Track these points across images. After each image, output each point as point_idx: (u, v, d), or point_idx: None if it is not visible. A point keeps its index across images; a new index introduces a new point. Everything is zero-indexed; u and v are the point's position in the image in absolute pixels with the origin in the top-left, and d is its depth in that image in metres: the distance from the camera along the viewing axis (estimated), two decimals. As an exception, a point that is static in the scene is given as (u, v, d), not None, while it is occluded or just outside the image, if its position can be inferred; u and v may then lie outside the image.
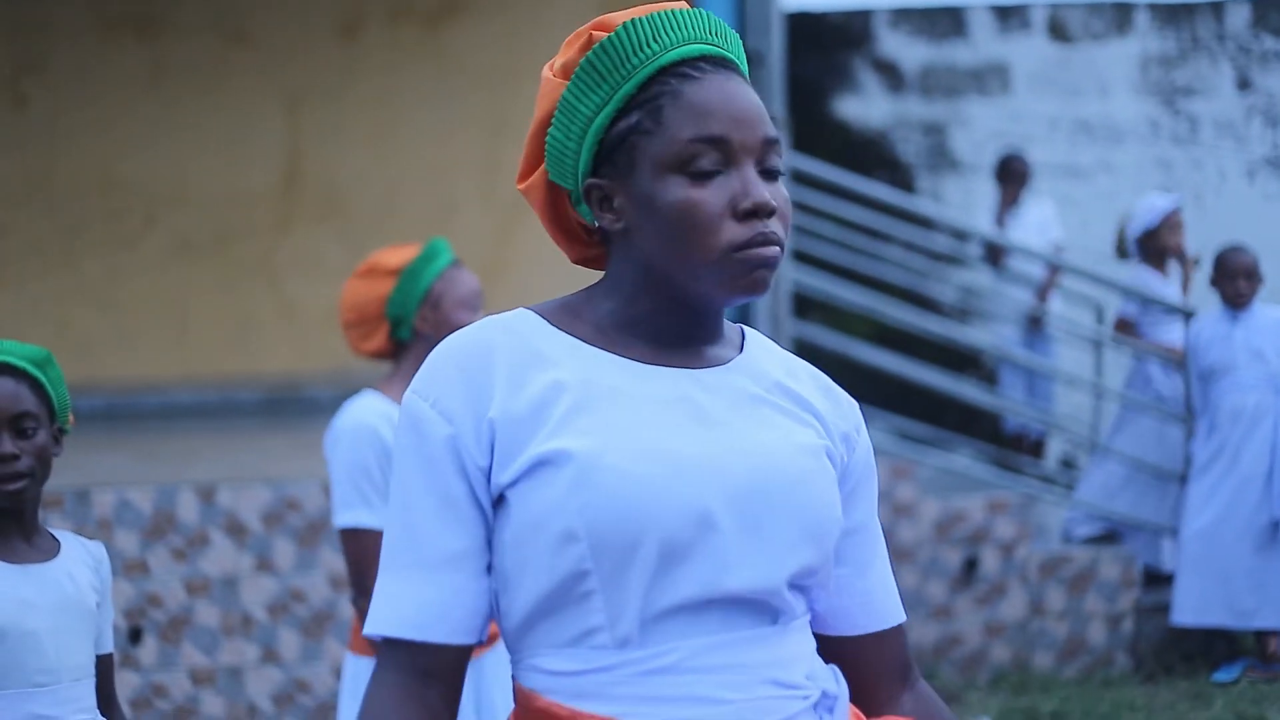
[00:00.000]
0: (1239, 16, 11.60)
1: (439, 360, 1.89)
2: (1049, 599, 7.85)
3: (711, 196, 1.86)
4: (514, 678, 1.90)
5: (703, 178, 1.87)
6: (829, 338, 8.30)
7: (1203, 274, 8.50)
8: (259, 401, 10.58)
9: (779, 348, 2.05)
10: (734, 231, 1.86)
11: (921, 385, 8.57)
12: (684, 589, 1.82)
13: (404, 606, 1.85)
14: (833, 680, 1.94)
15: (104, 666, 3.28)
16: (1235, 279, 8.00)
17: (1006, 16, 11.55)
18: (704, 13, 1.95)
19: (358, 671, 4.09)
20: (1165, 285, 8.69)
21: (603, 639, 1.82)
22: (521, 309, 1.96)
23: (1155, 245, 8.67)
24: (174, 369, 10.94)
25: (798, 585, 1.91)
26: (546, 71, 2.01)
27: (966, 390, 8.97)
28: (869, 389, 8.19)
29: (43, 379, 3.21)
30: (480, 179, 11.30)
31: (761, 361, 1.99)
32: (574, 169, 1.95)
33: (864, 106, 11.55)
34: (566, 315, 1.95)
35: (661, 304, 1.94)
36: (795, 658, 1.89)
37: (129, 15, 11.26)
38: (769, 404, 1.94)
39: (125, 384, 10.64)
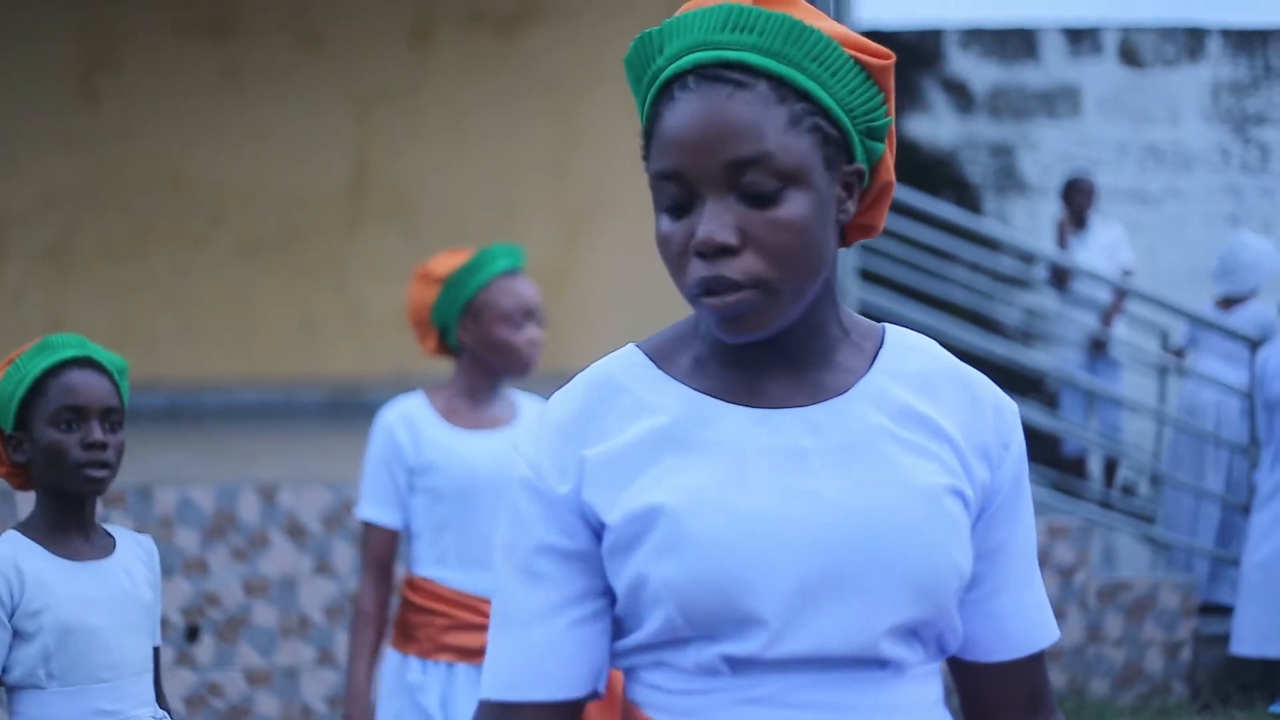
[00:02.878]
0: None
1: (543, 422, 1.81)
2: (1107, 625, 7.80)
3: (678, 231, 1.72)
4: (624, 685, 1.85)
5: (676, 213, 1.72)
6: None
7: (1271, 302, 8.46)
8: (322, 403, 10.63)
9: (925, 346, 1.85)
10: (694, 271, 1.71)
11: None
12: (773, 650, 1.71)
13: (497, 667, 1.79)
14: None
15: (155, 658, 3.33)
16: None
17: (1078, 39, 11.52)
18: (724, 5, 1.74)
19: (389, 667, 4.14)
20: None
21: (698, 663, 1.74)
22: (631, 347, 1.85)
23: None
24: (238, 368, 11.01)
25: (908, 637, 1.76)
26: None
27: (1029, 413, 8.94)
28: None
29: (121, 387, 3.29)
30: (548, 184, 11.32)
31: (890, 380, 1.80)
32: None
33: (933, 126, 11.53)
34: (670, 350, 1.83)
35: (724, 344, 1.81)
36: (906, 706, 1.75)
37: (202, 17, 11.35)
38: (889, 437, 1.76)
39: (189, 382, 10.71)
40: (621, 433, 1.76)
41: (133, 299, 11.07)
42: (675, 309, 10.30)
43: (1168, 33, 11.51)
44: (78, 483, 3.20)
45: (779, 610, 1.70)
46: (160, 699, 3.38)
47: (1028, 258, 10.55)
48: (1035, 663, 1.89)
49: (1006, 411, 1.82)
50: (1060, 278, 9.85)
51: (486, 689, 1.80)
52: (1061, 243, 10.05)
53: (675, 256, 1.72)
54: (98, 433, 3.19)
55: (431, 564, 4.08)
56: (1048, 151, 11.46)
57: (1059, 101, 11.55)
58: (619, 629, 1.80)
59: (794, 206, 1.70)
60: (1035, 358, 10.27)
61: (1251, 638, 7.81)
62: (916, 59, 11.39)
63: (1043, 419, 9.26)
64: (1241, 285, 8.90)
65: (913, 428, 1.77)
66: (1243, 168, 11.47)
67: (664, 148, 1.72)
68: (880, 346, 1.82)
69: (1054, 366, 9.83)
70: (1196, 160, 11.34)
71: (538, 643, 1.78)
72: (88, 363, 3.25)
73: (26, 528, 3.24)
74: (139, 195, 11.22)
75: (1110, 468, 10.30)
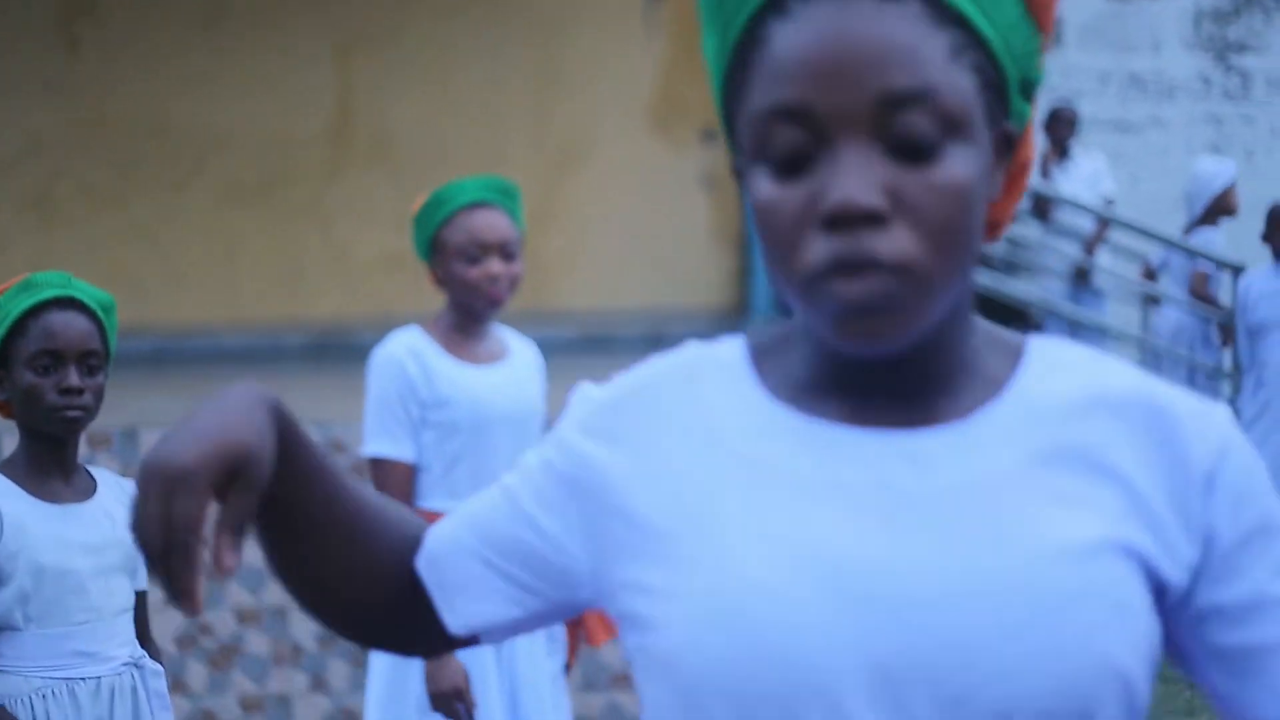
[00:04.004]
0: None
1: (604, 394, 1.45)
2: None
3: (792, 196, 1.27)
4: None
5: (788, 168, 1.27)
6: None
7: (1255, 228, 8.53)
8: (307, 346, 10.66)
9: (1085, 362, 1.39)
10: (816, 250, 1.26)
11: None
12: None
13: (443, 525, 1.52)
14: None
15: (140, 601, 3.36)
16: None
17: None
18: None
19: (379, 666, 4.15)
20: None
21: None
22: (738, 339, 1.46)
23: (1215, 207, 8.80)
24: (223, 312, 11.04)
25: None
26: None
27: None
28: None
29: (106, 324, 3.30)
30: (531, 126, 11.33)
31: (1031, 403, 1.36)
32: (729, 139, 1.40)
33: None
34: (772, 352, 1.42)
35: (825, 350, 1.38)
36: None
37: (182, -41, 11.34)
38: (1021, 480, 1.32)
39: (174, 326, 10.74)
40: (668, 450, 1.39)
41: (117, 245, 11.09)
42: (661, 250, 10.33)
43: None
44: (53, 425, 3.21)
45: (848, 702, 1.27)
46: (147, 641, 3.40)
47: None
48: None
49: (1212, 431, 1.35)
50: (1043, 208, 9.89)
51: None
52: (1044, 173, 10.09)
53: (787, 230, 1.27)
54: (74, 378, 3.20)
55: (443, 497, 4.09)
56: (1030, 82, 11.49)
57: (1041, 32, 11.59)
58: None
59: (959, 166, 1.27)
60: (1019, 288, 10.33)
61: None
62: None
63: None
64: (1195, 209, 9.04)
65: (1058, 467, 1.33)
66: (1224, 95, 11.50)
67: (780, 76, 1.27)
68: (1020, 361, 1.39)
69: (1038, 297, 9.89)
70: (1178, 89, 11.37)
71: (461, 534, 1.49)
72: (69, 303, 3.25)
73: (7, 467, 3.27)
74: (122, 141, 11.22)
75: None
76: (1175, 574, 1.32)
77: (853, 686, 1.27)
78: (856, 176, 1.24)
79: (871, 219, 1.23)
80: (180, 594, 1.29)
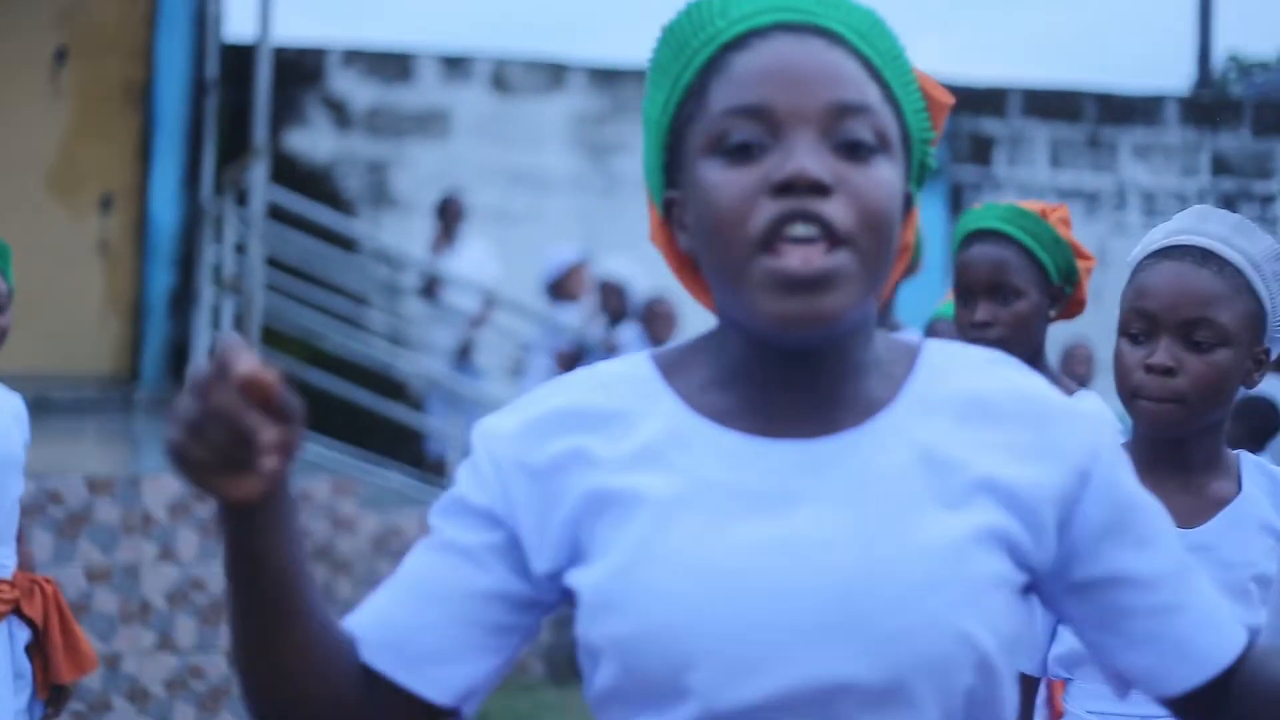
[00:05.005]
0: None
1: (517, 408, 1.57)
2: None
3: (743, 175, 1.46)
4: None
5: (740, 156, 1.47)
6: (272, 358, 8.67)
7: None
8: None
9: (972, 363, 1.58)
10: (764, 212, 1.45)
11: (364, 409, 9.05)
12: None
13: (358, 613, 1.56)
14: None
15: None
16: (658, 321, 8.92)
17: (452, 65, 12.18)
18: None
19: None
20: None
21: None
22: (644, 354, 1.61)
23: (564, 288, 9.78)
24: None
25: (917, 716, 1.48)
26: None
27: (398, 414, 9.47)
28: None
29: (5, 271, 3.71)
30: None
31: (919, 410, 1.53)
32: (656, 186, 1.59)
33: (312, 141, 11.94)
34: (681, 361, 1.58)
35: (742, 345, 1.54)
36: None
37: None
38: (905, 481, 1.50)
39: None
40: (591, 457, 1.52)
41: None
42: (54, 315, 10.17)
43: (534, 64, 12.33)
44: None
45: (720, 684, 1.46)
46: (22, 544, 3.70)
47: (399, 267, 11.10)
48: (1244, 660, 1.61)
49: (1083, 426, 1.55)
50: (431, 288, 10.43)
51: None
52: (435, 253, 10.64)
53: (737, 202, 1.46)
54: None
55: None
56: (420, 169, 12.07)
57: (432, 123, 12.18)
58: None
59: (887, 173, 1.49)
60: (406, 363, 10.84)
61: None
62: (298, 75, 11.78)
63: (410, 418, 9.82)
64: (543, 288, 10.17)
65: (938, 469, 1.51)
66: (597, 192, 12.40)
67: (743, 84, 1.49)
68: (914, 368, 1.56)
69: (424, 371, 10.42)
70: (556, 184, 12.17)
71: (417, 614, 1.54)
72: None
73: None
74: None
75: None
76: (1045, 558, 1.52)
77: (728, 667, 1.45)
78: (809, 155, 1.45)
79: (819, 189, 1.44)
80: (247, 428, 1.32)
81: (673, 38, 1.55)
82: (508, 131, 12.28)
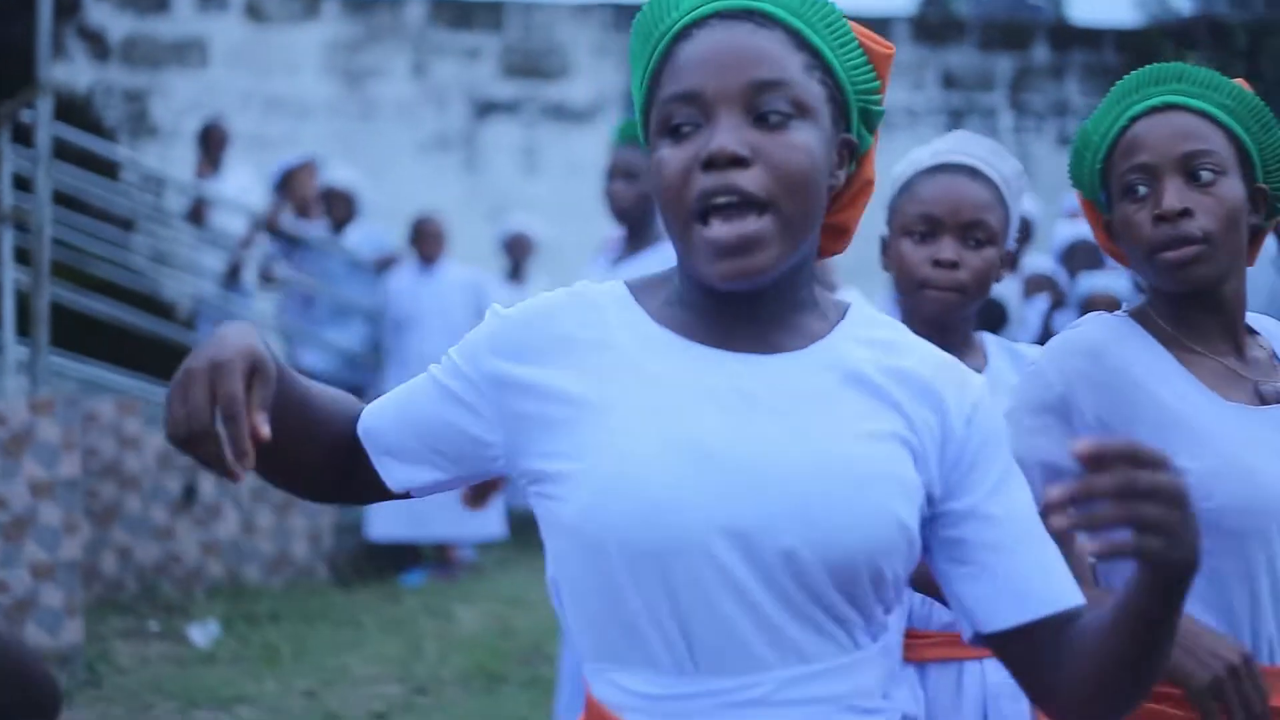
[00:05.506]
0: (416, 11, 12.92)
1: (514, 319, 1.83)
2: (259, 519, 8.75)
3: (682, 152, 1.73)
4: (586, 681, 1.80)
5: (679, 136, 1.74)
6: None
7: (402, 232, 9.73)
8: None
9: (887, 321, 1.87)
10: (695, 185, 1.72)
11: (137, 333, 9.26)
12: (717, 594, 1.69)
13: (375, 403, 1.92)
14: (911, 701, 1.87)
15: None
16: (427, 240, 9.26)
17: (209, -6, 12.34)
18: None
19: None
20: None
21: (668, 662, 1.72)
22: (619, 281, 1.87)
23: (291, 188, 9.96)
24: None
25: (853, 592, 1.71)
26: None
27: (169, 333, 9.66)
28: (62, 333, 8.81)
29: None
30: None
31: (847, 347, 1.80)
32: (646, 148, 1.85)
33: (70, 73, 12.00)
34: (648, 291, 1.85)
35: (696, 284, 1.80)
36: (874, 682, 1.74)
37: None
38: (836, 394, 1.75)
39: None
40: (569, 359, 1.78)
41: None
42: None
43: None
44: None
45: (713, 540, 1.67)
46: None
47: (167, 193, 11.24)
48: (1067, 619, 1.78)
49: (970, 383, 1.81)
50: (198, 213, 10.61)
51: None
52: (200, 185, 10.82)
53: (674, 177, 1.72)
54: None
55: None
56: (179, 99, 12.20)
57: (189, 52, 12.32)
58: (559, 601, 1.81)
59: (804, 136, 1.73)
60: (173, 286, 11.01)
61: (382, 524, 9.03)
62: (55, 8, 11.80)
63: (185, 338, 9.98)
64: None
65: (862, 390, 1.76)
66: (355, 117, 12.67)
67: (681, 72, 1.74)
68: (843, 318, 1.84)
69: (191, 292, 10.61)
70: (313, 110, 12.40)
71: (405, 404, 1.88)
72: None
73: None
74: None
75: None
76: (940, 481, 1.76)
77: (716, 541, 1.66)
78: (729, 133, 1.70)
79: (737, 161, 1.69)
80: (240, 455, 1.60)
81: (639, 30, 1.82)
82: (264, 60, 12.47)
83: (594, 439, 1.71)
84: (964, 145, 2.93)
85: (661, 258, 5.16)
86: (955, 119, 13.30)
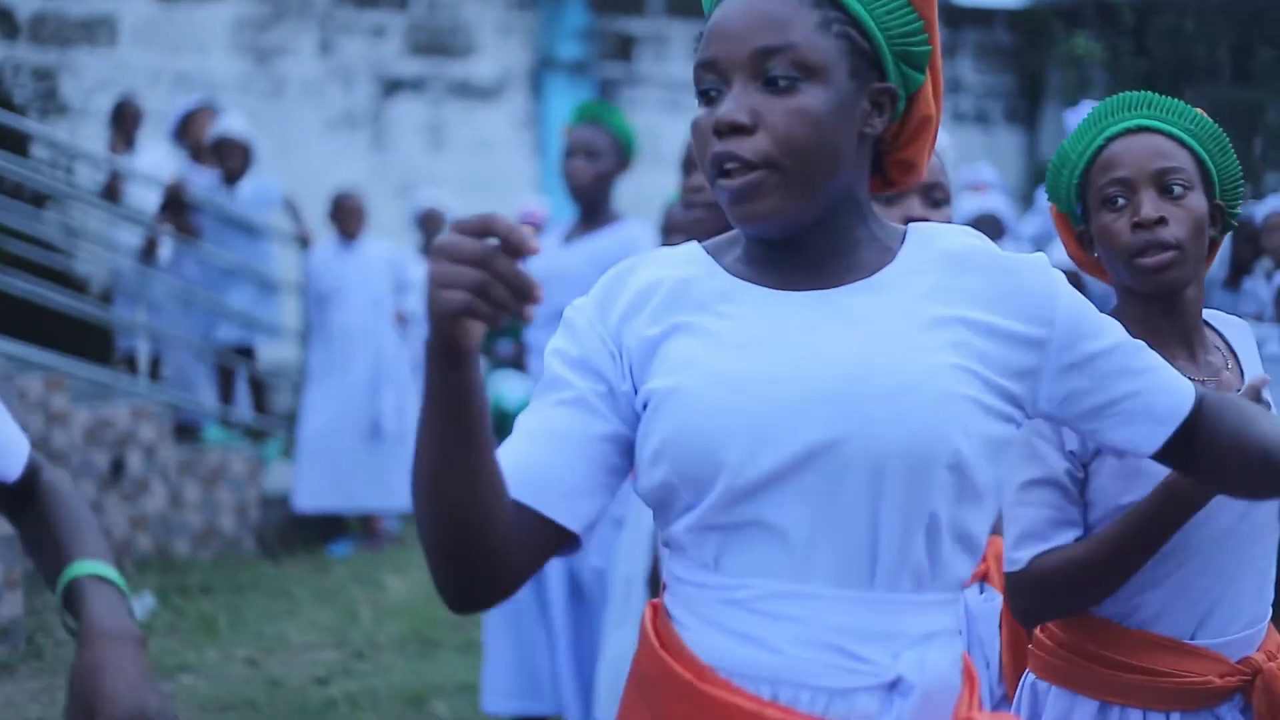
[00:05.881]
0: (322, -12, 13.04)
1: (604, 283, 1.91)
2: (187, 493, 8.86)
3: (704, 118, 1.83)
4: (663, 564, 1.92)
5: (705, 100, 1.84)
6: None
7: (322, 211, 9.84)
8: None
9: (947, 231, 1.93)
10: (711, 149, 1.82)
11: (53, 310, 9.32)
12: (757, 540, 1.78)
13: (506, 463, 1.81)
14: (926, 672, 1.80)
15: None
16: (347, 216, 9.40)
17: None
18: None
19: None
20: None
21: (696, 555, 1.83)
22: (694, 243, 1.96)
23: (189, 132, 10.00)
24: None
25: (933, 536, 1.80)
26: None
27: (86, 308, 9.70)
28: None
29: None
30: None
31: (910, 269, 1.87)
32: None
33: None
34: (720, 246, 1.95)
35: (753, 239, 1.91)
36: (887, 633, 1.79)
37: None
38: (902, 316, 1.83)
39: None
40: (659, 323, 1.86)
41: None
42: None
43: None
44: None
45: (743, 461, 1.77)
46: None
47: (70, 170, 11.24)
48: (1200, 407, 2.01)
49: (1040, 267, 1.89)
50: (113, 190, 10.63)
51: None
52: (114, 162, 10.83)
53: (701, 140, 1.83)
54: None
55: None
56: (89, 76, 12.20)
57: (98, 30, 12.32)
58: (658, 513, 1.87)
59: (810, 98, 1.80)
60: (85, 264, 11.03)
61: (309, 495, 9.18)
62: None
63: (98, 313, 10.01)
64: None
65: (927, 309, 1.83)
66: (262, 94, 12.73)
67: (705, 40, 1.85)
68: (904, 241, 1.91)
69: (106, 270, 10.65)
70: (222, 87, 12.45)
71: (544, 455, 1.83)
72: None
73: None
74: None
75: (155, 363, 11.13)
76: (1035, 367, 1.86)
77: (801, 448, 1.76)
78: (734, 102, 1.79)
79: (739, 129, 1.79)
80: (528, 291, 1.58)
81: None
82: (172, 38, 12.49)
83: (666, 379, 1.81)
84: None
85: (618, 237, 5.40)
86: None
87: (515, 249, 1.58)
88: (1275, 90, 10.98)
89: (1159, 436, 1.95)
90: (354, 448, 9.19)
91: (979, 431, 1.80)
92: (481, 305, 1.58)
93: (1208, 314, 2.67)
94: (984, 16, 14.39)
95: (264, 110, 12.52)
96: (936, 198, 3.13)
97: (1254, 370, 2.60)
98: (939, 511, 1.78)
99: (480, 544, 1.74)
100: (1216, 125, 2.60)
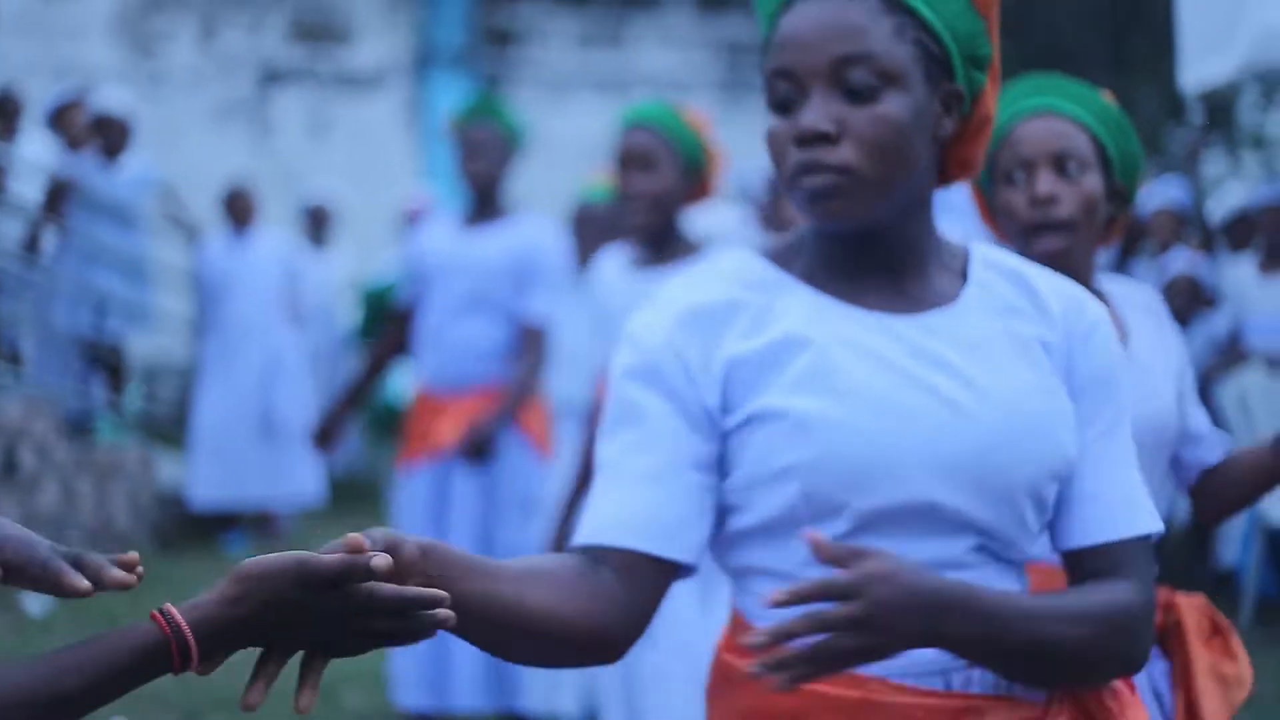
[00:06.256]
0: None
1: (673, 298, 1.89)
2: (80, 490, 8.77)
3: (783, 127, 1.84)
4: (733, 598, 1.91)
5: (783, 109, 1.84)
6: None
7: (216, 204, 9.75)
8: None
9: (1006, 256, 1.96)
10: (791, 159, 1.83)
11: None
12: (877, 538, 1.79)
13: (595, 517, 1.82)
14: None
15: None
16: (239, 208, 9.36)
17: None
18: None
19: None
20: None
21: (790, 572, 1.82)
22: (749, 252, 1.96)
23: (63, 120, 9.92)
24: None
25: (1015, 533, 1.84)
26: None
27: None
28: None
29: None
30: None
31: (984, 294, 1.90)
32: None
33: None
34: (783, 256, 1.95)
35: (830, 243, 1.91)
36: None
37: None
38: (998, 338, 1.87)
39: None
40: (758, 335, 1.84)
41: None
42: None
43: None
44: None
45: (899, 497, 1.78)
46: None
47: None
48: (1128, 547, 1.89)
49: (1079, 303, 1.92)
50: (-4, 183, 10.48)
51: (582, 536, 1.82)
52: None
53: (779, 149, 1.83)
54: None
55: None
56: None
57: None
58: (729, 516, 1.86)
59: (891, 105, 1.81)
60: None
61: (205, 490, 9.14)
62: None
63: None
64: None
65: (1010, 338, 1.87)
66: (144, 84, 12.60)
67: (777, 48, 1.85)
68: (969, 262, 1.94)
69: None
70: (102, 76, 12.30)
71: (643, 498, 1.81)
72: None
73: None
74: None
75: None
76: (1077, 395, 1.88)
77: (921, 470, 1.78)
78: (816, 111, 1.80)
79: (824, 138, 1.80)
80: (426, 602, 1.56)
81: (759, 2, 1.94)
82: (51, 27, 12.34)
83: (794, 401, 1.80)
84: None
85: (526, 230, 5.51)
86: (739, 89, 13.69)
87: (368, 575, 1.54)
88: (1148, 79, 11.19)
89: (1075, 539, 1.90)
90: (248, 441, 9.15)
91: (1072, 440, 1.86)
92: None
93: (1111, 285, 2.81)
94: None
95: (144, 99, 12.40)
96: None
97: (1147, 343, 2.73)
98: (1027, 509, 1.84)
99: (575, 643, 1.76)
100: (1119, 109, 2.74)
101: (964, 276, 1.91)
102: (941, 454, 1.78)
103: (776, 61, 1.84)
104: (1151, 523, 1.88)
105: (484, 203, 5.54)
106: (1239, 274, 8.36)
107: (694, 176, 4.24)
